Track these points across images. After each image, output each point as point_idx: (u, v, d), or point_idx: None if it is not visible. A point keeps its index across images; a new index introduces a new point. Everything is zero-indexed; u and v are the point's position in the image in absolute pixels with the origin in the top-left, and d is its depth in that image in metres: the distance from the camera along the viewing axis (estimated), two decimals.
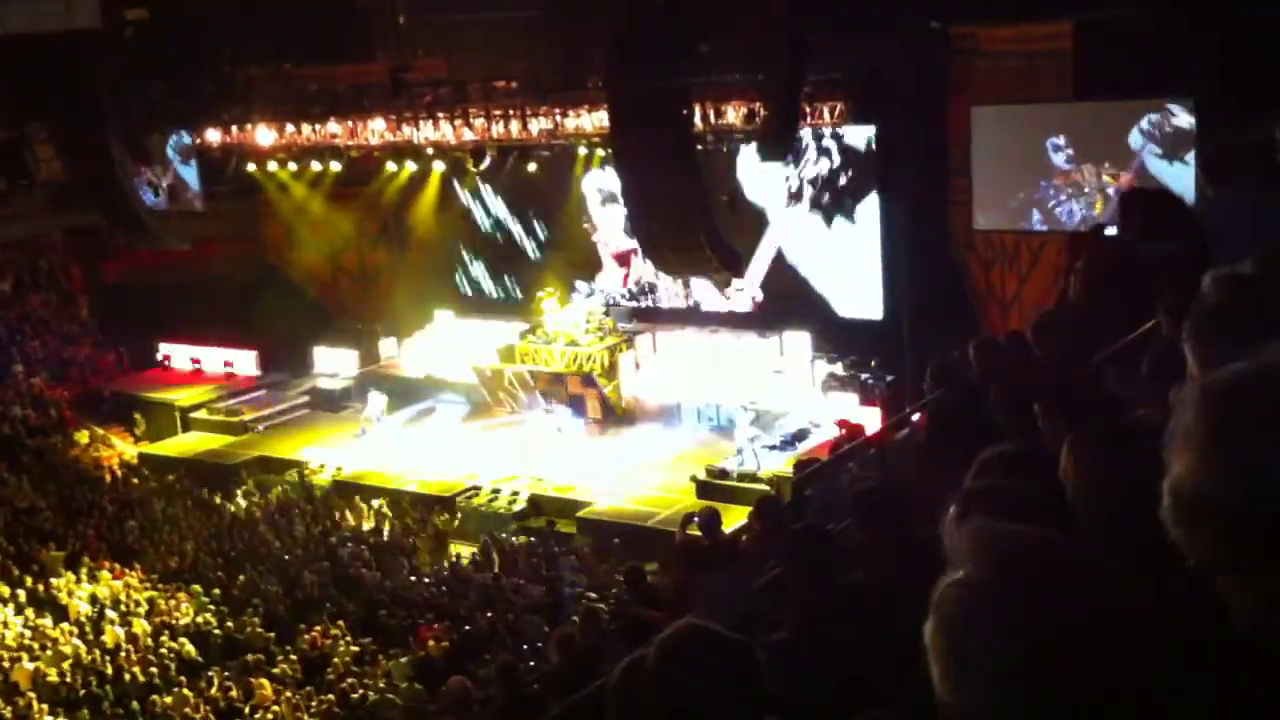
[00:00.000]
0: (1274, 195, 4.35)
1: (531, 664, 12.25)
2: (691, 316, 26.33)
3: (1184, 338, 2.38)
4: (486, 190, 28.06)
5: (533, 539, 20.75)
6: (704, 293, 25.85)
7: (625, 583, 11.03)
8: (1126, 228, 6.72)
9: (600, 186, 26.18)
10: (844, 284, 24.04)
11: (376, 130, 24.82)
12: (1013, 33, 20.10)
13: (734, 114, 21.27)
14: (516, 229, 28.37)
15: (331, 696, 15.77)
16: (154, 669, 16.65)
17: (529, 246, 28.32)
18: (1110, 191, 19.39)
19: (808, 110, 21.20)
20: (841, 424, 15.67)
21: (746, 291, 25.14)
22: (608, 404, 24.92)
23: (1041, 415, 4.08)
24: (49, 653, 17.39)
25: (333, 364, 28.81)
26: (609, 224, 26.61)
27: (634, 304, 26.98)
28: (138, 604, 19.14)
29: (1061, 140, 19.92)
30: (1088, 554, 1.45)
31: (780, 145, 19.80)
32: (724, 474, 21.20)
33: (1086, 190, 19.92)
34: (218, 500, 23.43)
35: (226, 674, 16.45)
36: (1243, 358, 1.49)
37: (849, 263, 23.79)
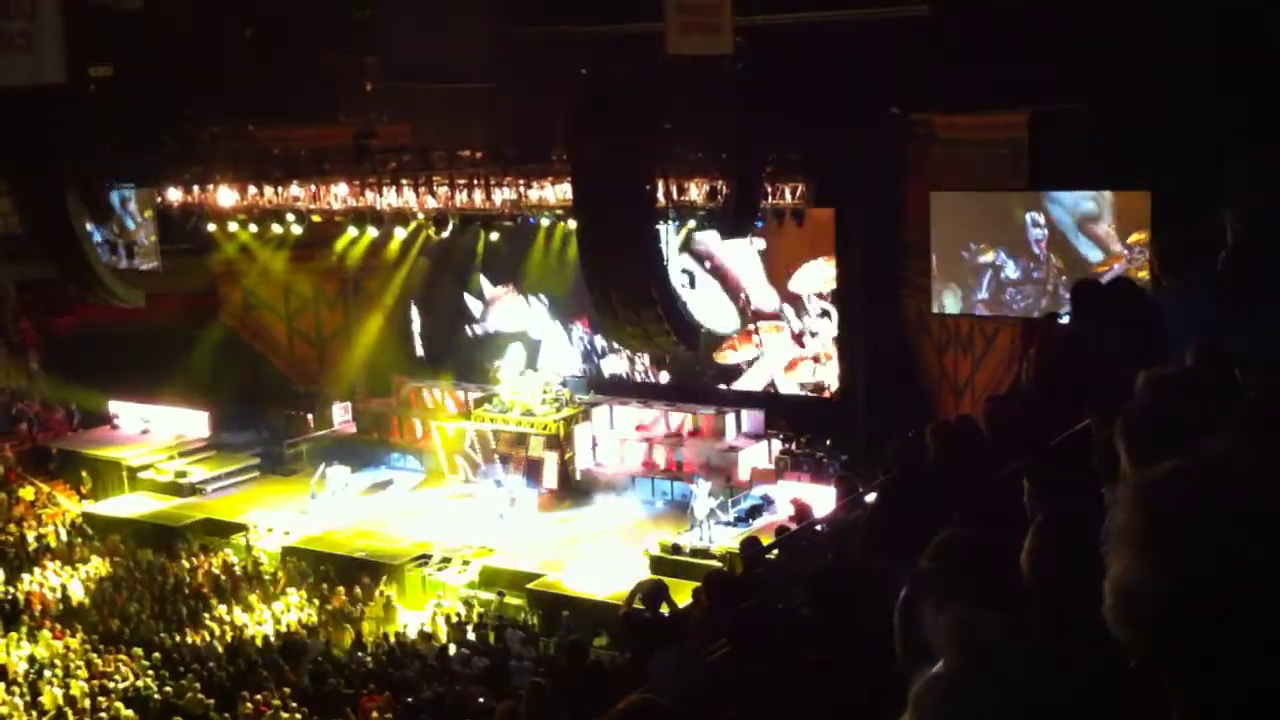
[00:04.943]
0: (1215, 290, 4.44)
1: None
2: (648, 390, 26.39)
3: (1117, 435, 2.40)
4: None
5: (482, 610, 20.56)
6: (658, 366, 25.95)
7: (566, 659, 10.92)
8: (1078, 316, 6.82)
9: None
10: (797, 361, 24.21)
11: (338, 194, 24.85)
12: (969, 121, 20.45)
13: (696, 191, 21.48)
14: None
15: None
16: None
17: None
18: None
19: (769, 189, 21.45)
20: (794, 503, 15.65)
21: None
22: (566, 470, 24.85)
23: (1029, 491, 4.13)
24: None
25: (285, 427, 28.57)
26: None
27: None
28: (77, 666, 18.78)
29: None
30: (1070, 650, 1.45)
31: (740, 223, 20.02)
32: (677, 549, 21.13)
33: (1048, 273, 20.18)
34: (163, 562, 23.08)
35: None
36: (1176, 455, 1.51)
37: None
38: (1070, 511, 3.02)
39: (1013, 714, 1.34)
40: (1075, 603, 2.52)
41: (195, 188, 25.58)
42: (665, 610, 10.23)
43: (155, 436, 29.10)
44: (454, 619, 20.10)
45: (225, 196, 25.37)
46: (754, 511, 22.50)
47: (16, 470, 27.85)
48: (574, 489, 24.97)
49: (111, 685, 17.85)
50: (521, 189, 23.05)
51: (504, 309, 28.36)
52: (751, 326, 25.04)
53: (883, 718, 1.48)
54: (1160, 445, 1.57)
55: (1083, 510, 3.05)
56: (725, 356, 25.30)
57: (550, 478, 24.89)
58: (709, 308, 24.21)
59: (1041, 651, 1.42)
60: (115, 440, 29.15)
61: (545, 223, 24.40)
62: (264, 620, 20.17)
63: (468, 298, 28.86)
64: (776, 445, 23.86)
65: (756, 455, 23.94)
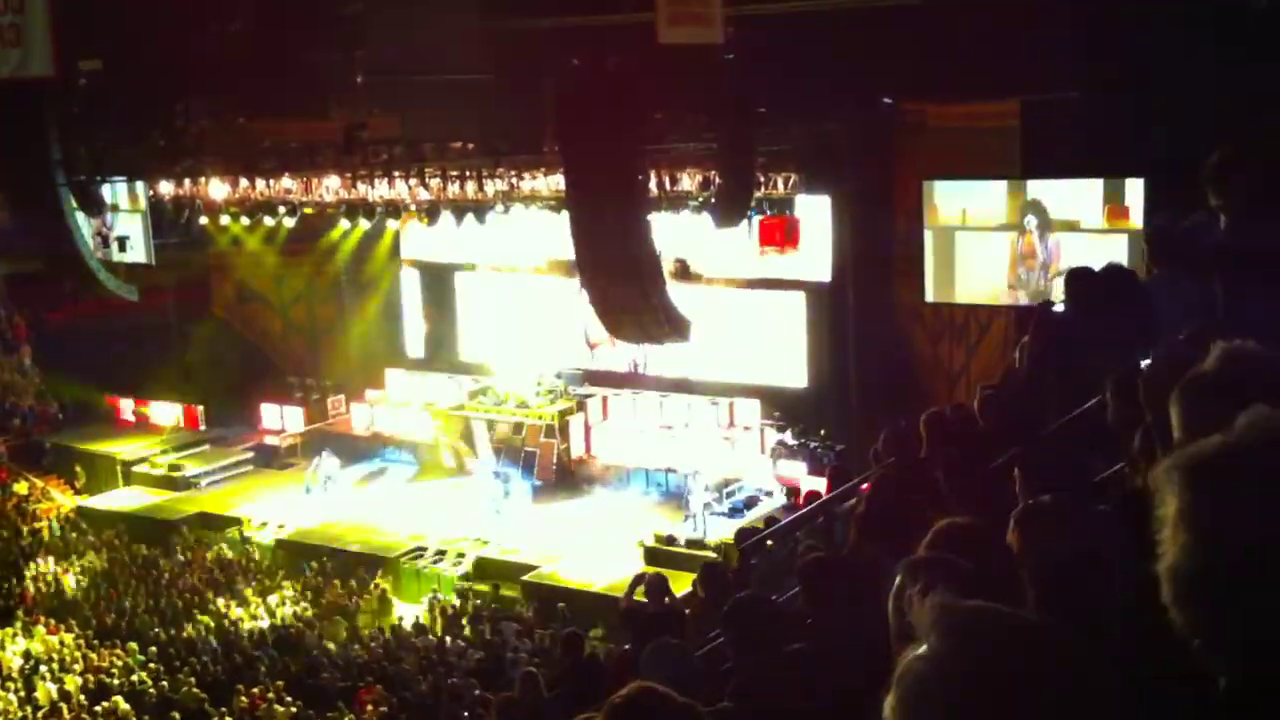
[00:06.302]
0: (1205, 279, 4.45)
1: None
2: (641, 381, 26.35)
3: (1173, 406, 2.34)
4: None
5: (477, 602, 20.56)
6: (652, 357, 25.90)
7: (563, 651, 10.89)
8: (1073, 303, 6.82)
9: None
10: (787, 353, 24.25)
11: (330, 186, 24.79)
12: (961, 110, 20.40)
13: (689, 181, 21.44)
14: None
15: None
16: None
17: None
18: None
19: (761, 179, 21.43)
20: (786, 483, 15.70)
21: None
22: (561, 462, 24.84)
23: (1020, 481, 4.13)
24: None
25: (279, 420, 28.55)
26: None
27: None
28: (72, 661, 18.76)
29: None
30: (1050, 631, 1.45)
31: (734, 213, 20.00)
32: (672, 540, 21.13)
33: (1041, 263, 20.17)
34: (157, 556, 23.05)
35: None
36: (1220, 431, 1.50)
37: (791, 333, 24.04)
38: (1057, 500, 3.02)
39: (990, 697, 1.35)
40: (1063, 589, 2.53)
41: (186, 181, 25.50)
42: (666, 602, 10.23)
43: (149, 430, 29.06)
44: (449, 612, 20.10)
45: (217, 189, 25.31)
46: (749, 502, 22.51)
47: (9, 465, 27.81)
48: (569, 480, 24.96)
49: (107, 680, 17.84)
50: (513, 180, 23.01)
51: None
52: None
53: (876, 706, 1.48)
54: (1225, 418, 1.55)
55: (1069, 499, 3.05)
56: None
57: (545, 469, 24.88)
58: None
59: (1022, 637, 1.42)
60: (108, 434, 29.11)
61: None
62: (259, 614, 20.15)
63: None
64: (771, 435, 23.85)
65: (751, 446, 23.94)
